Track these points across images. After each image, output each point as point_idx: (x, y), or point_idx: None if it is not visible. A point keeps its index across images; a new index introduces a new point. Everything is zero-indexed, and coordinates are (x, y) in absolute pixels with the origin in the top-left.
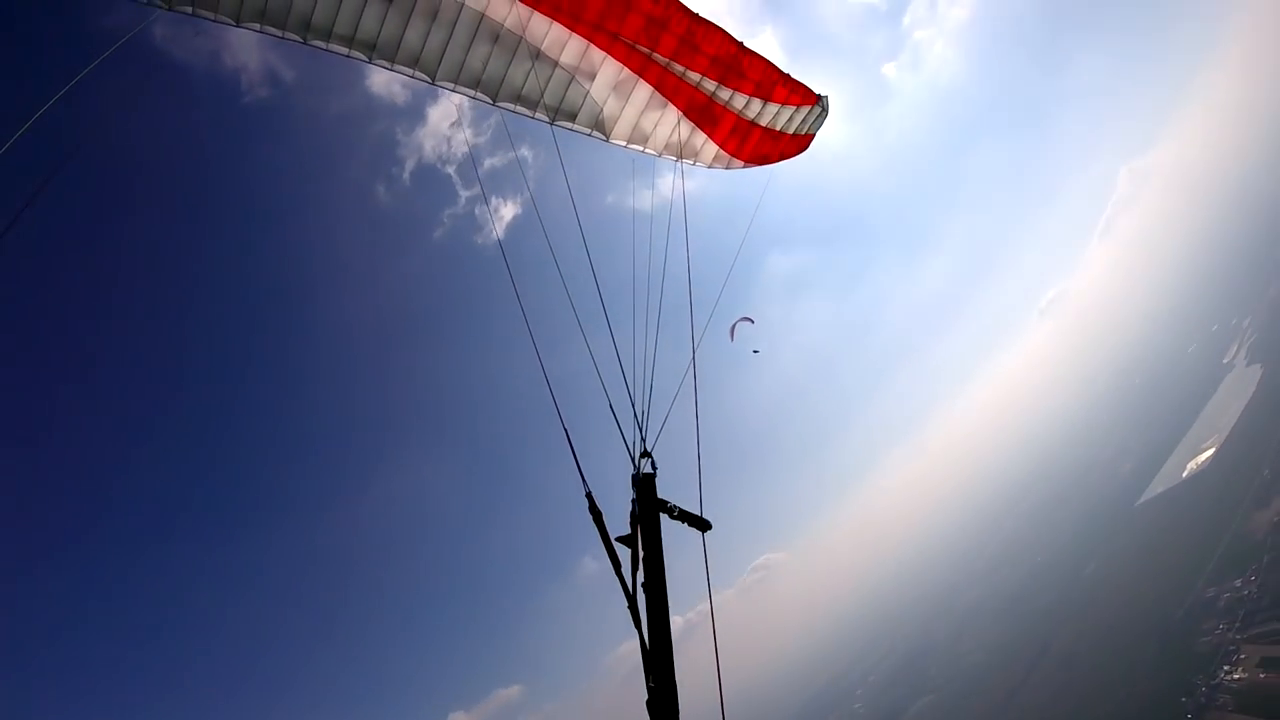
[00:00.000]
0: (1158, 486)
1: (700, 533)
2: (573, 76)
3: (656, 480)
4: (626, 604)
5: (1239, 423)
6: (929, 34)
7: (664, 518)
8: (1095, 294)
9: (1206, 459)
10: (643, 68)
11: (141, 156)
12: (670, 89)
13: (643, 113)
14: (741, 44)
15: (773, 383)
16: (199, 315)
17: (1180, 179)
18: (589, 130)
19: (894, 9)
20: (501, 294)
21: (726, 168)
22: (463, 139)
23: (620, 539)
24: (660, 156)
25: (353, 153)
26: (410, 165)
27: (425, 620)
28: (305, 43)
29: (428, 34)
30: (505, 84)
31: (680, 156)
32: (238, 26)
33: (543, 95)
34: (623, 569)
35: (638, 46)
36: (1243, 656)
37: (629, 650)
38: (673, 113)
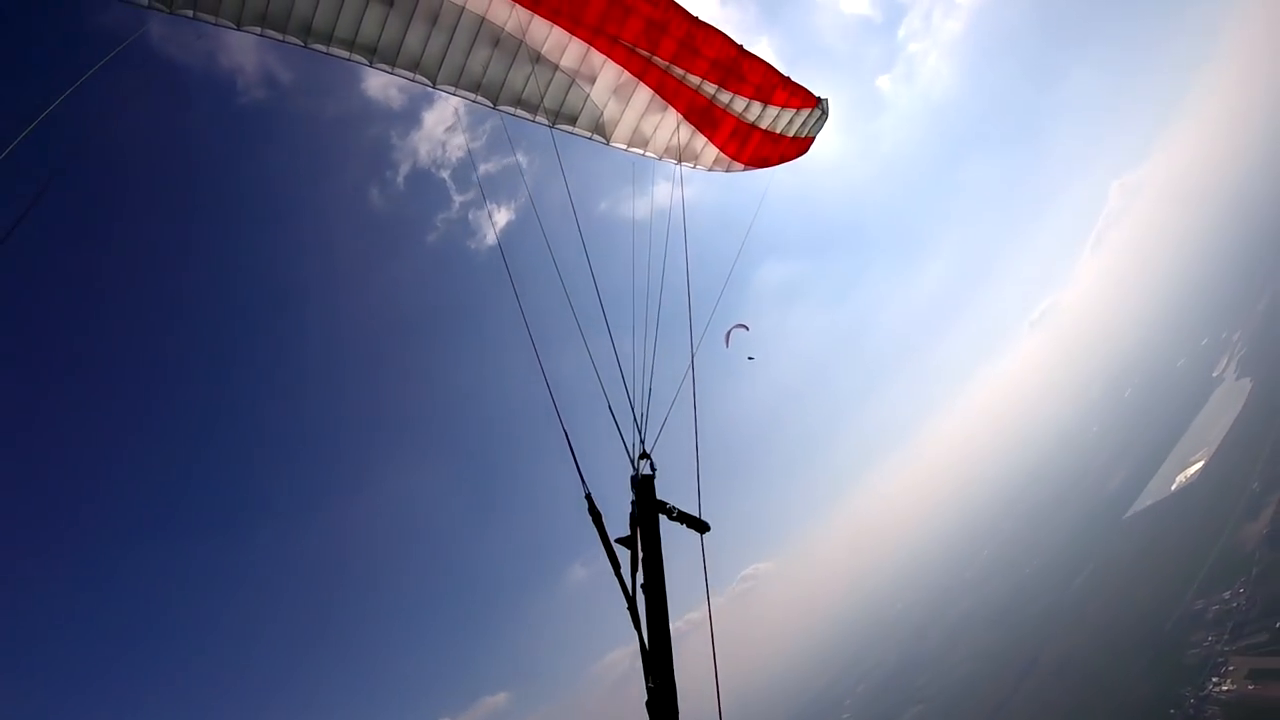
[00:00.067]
0: (1147, 499)
1: (699, 535)
2: (573, 80)
3: (655, 482)
4: (626, 605)
5: (1228, 436)
6: (923, 47)
7: (663, 519)
8: (1086, 307)
9: (1196, 472)
10: (643, 71)
11: (136, 156)
12: (670, 92)
13: (643, 116)
14: (741, 47)
15: (763, 392)
16: (191, 316)
17: (1171, 194)
18: (589, 133)
19: (889, 21)
20: (493, 299)
21: (726, 170)
22: (458, 144)
23: (620, 540)
24: (660, 159)
25: (348, 156)
26: (405, 169)
27: (412, 627)
28: (306, 46)
29: (428, 38)
30: (506, 87)
31: (680, 159)
32: (239, 30)
33: (543, 99)
34: (622, 570)
35: (638, 50)
36: (1231, 668)
37: (616, 658)
38: (673, 116)
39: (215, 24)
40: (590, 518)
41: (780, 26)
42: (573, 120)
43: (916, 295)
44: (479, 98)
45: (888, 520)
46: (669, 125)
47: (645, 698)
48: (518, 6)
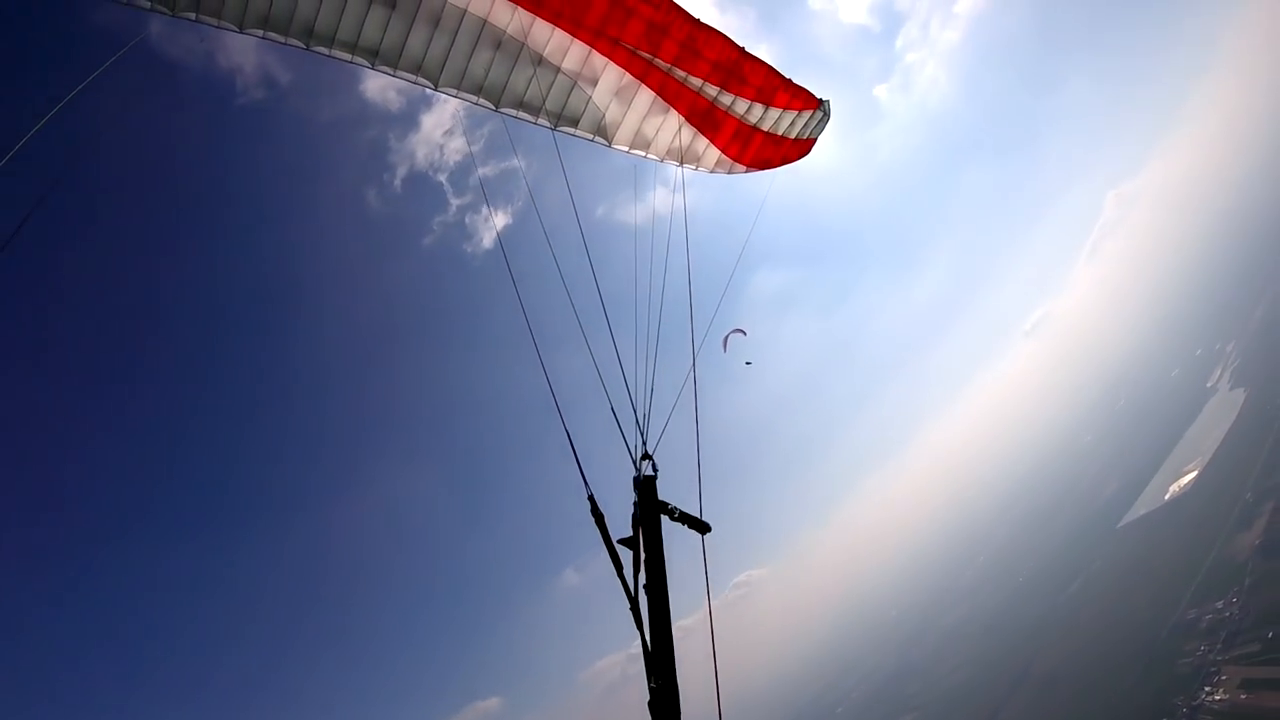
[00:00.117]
0: (1140, 509)
1: (700, 536)
2: (575, 82)
3: (657, 483)
4: (628, 606)
5: (1222, 446)
6: (921, 56)
7: (665, 520)
8: (1081, 316)
9: (1189, 482)
10: (644, 73)
11: (133, 155)
12: (672, 94)
13: (644, 118)
14: (743, 49)
15: (757, 398)
16: (186, 316)
17: (1166, 204)
18: (591, 136)
19: (887, 31)
20: (489, 303)
21: (729, 172)
22: (456, 147)
23: (622, 541)
24: (662, 161)
25: (346, 157)
26: (402, 172)
27: (403, 630)
28: (309, 49)
29: (430, 40)
30: (508, 90)
31: (682, 162)
32: (241, 33)
33: (545, 101)
34: (624, 571)
35: (639, 52)
36: (1224, 678)
37: (607, 665)
38: (674, 118)
39: (218, 27)
40: (593, 518)
41: (779, 34)
42: (574, 123)
43: (911, 303)
44: (481, 100)
45: (881, 528)
46: (671, 127)
47: (647, 698)
48: (519, 9)
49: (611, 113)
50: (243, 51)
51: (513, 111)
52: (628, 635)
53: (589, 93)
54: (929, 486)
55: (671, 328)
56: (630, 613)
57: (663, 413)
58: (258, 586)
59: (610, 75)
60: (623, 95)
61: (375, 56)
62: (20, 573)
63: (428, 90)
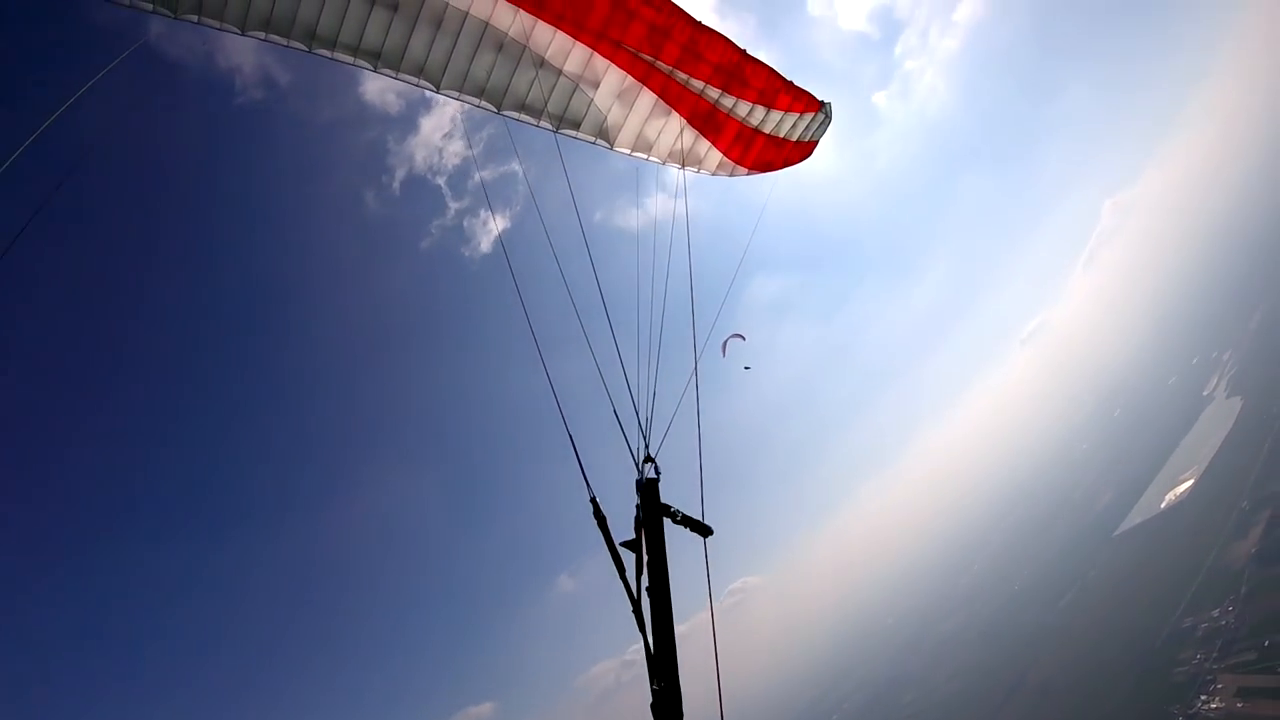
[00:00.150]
0: (1136, 517)
1: (702, 538)
2: (577, 85)
3: (659, 485)
4: (631, 608)
5: (1218, 454)
6: (920, 64)
7: (667, 523)
8: (1077, 324)
9: (1185, 490)
10: (646, 76)
11: (132, 154)
12: (674, 97)
13: (646, 120)
14: (744, 52)
15: (752, 405)
16: (181, 316)
17: (1163, 212)
18: (593, 138)
19: (886, 38)
20: (486, 307)
21: (730, 175)
22: (454, 150)
23: (625, 544)
24: (664, 164)
25: (344, 159)
26: (400, 174)
27: (394, 634)
28: (311, 52)
29: (432, 43)
30: (510, 93)
31: (684, 164)
32: (243, 35)
33: (547, 104)
34: (627, 573)
35: (641, 55)
36: (1220, 686)
37: (601, 671)
38: (676, 120)
39: (220, 29)
40: (595, 521)
41: (778, 41)
42: (576, 125)
43: (908, 310)
44: (483, 103)
45: (877, 535)
46: (673, 130)
47: (643, 703)
48: (521, 12)
49: (613, 115)
50: (242, 51)
51: (515, 114)
52: (623, 641)
53: (591, 95)
54: (925, 494)
55: (670, 332)
56: (633, 615)
57: (664, 416)
58: (248, 587)
59: (612, 78)
60: (625, 98)
61: (378, 59)
62: (10, 570)
63: (427, 93)
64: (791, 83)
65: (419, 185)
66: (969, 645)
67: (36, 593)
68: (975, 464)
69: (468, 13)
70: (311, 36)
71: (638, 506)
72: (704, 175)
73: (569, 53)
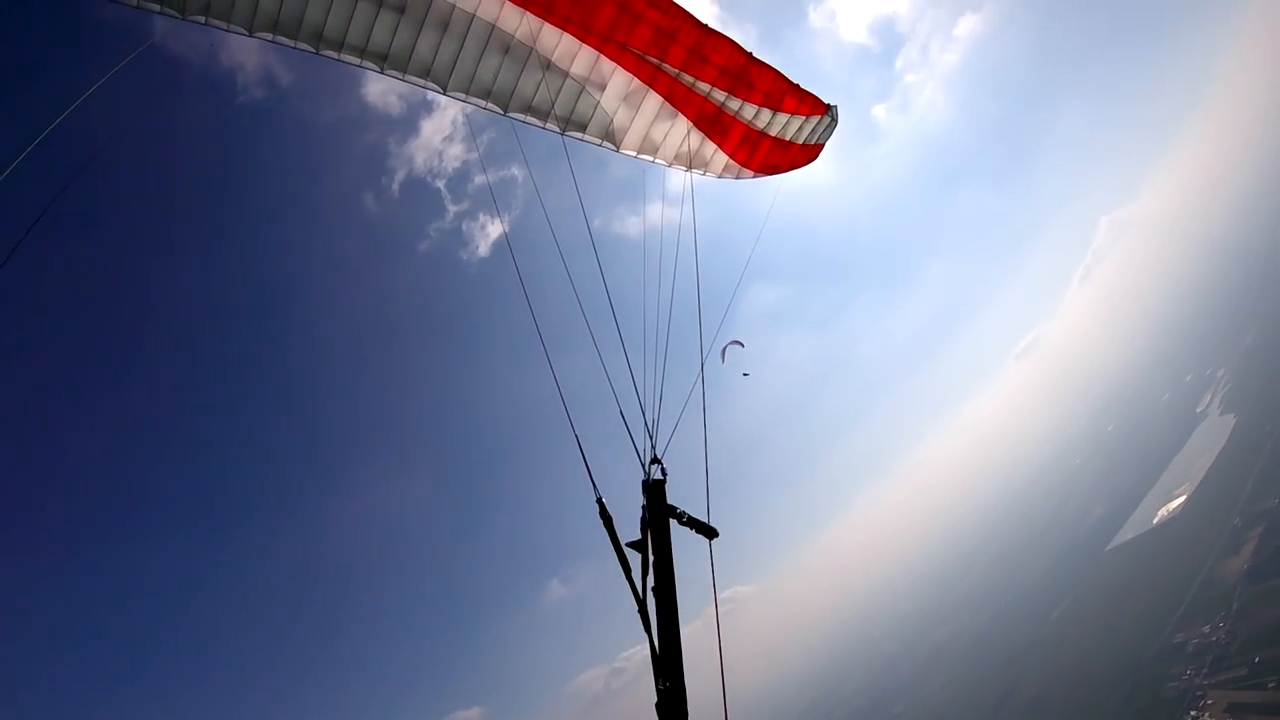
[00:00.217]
0: (1128, 532)
1: (707, 540)
2: (583, 87)
3: (666, 486)
4: (636, 608)
5: (1211, 471)
6: (920, 78)
7: (673, 524)
8: (1073, 340)
9: (1178, 506)
10: (652, 78)
11: (130, 153)
12: (680, 99)
13: (653, 123)
14: (750, 54)
15: (746, 416)
16: (178, 315)
17: (1160, 230)
18: (600, 141)
19: (887, 52)
20: (482, 311)
21: (736, 177)
22: (455, 153)
23: (630, 544)
24: (670, 166)
25: (344, 160)
26: (400, 177)
27: (384, 636)
28: (318, 53)
29: (439, 45)
30: (516, 94)
31: (690, 166)
32: (250, 36)
33: (553, 106)
34: (633, 574)
35: (647, 57)
36: (1210, 702)
37: (591, 678)
38: (683, 123)
39: (227, 30)
40: (601, 521)
41: (780, 52)
42: (583, 127)
43: (904, 323)
44: (490, 104)
45: (869, 547)
46: (679, 132)
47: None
48: (528, 14)
49: (620, 117)
50: (244, 50)
51: (521, 116)
52: (612, 648)
53: (597, 97)
54: (919, 506)
55: (672, 335)
56: (638, 615)
57: (669, 418)
58: (241, 587)
59: (618, 80)
60: (631, 100)
61: (384, 61)
62: (8, 568)
63: (427, 95)
64: (797, 85)
65: (419, 187)
66: (961, 655)
67: (36, 591)
68: (969, 476)
69: (474, 15)
70: (319, 38)
71: (644, 507)
72: (710, 178)
73: (575, 55)
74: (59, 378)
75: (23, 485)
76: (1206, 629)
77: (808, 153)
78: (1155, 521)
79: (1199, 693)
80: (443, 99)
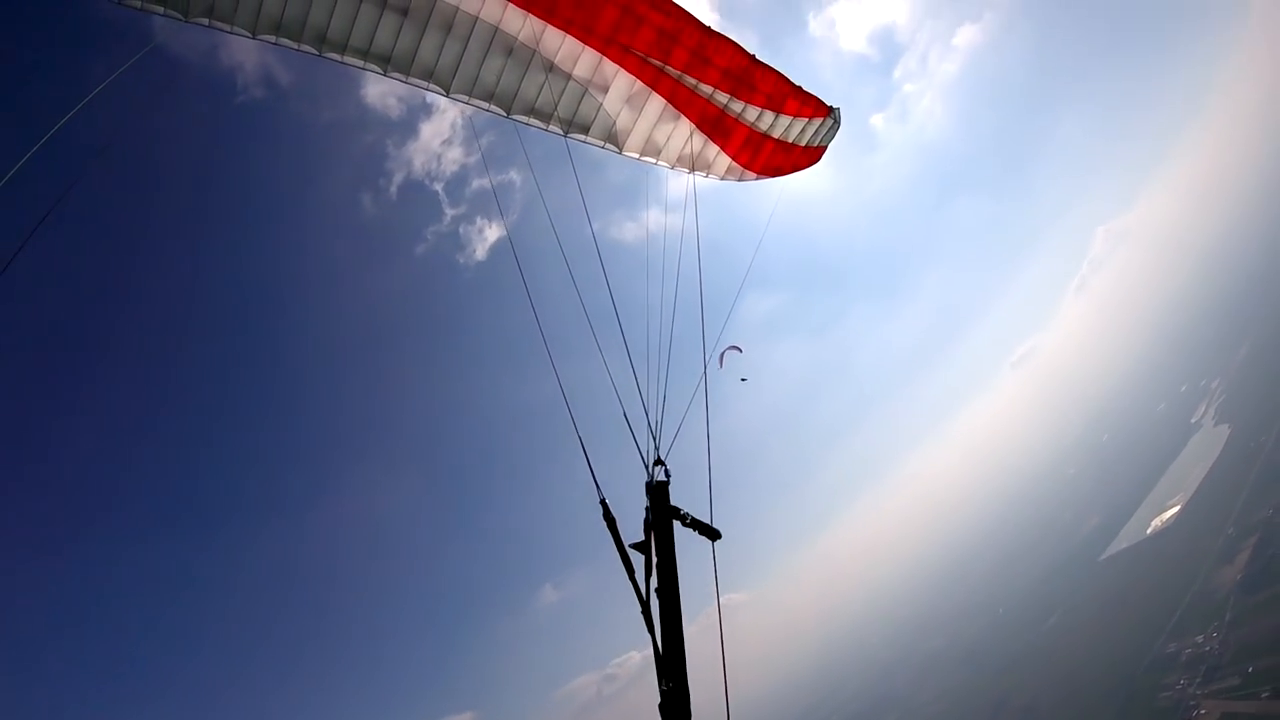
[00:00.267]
0: (1122, 542)
1: (710, 542)
2: (586, 89)
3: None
4: (640, 609)
5: (1205, 481)
6: (919, 87)
7: (677, 525)
8: (1068, 350)
9: (1172, 516)
10: (655, 80)
11: (130, 153)
12: (682, 101)
13: (655, 125)
14: (753, 57)
15: (740, 423)
16: (175, 315)
17: (1155, 241)
18: (602, 143)
19: (886, 61)
20: (479, 314)
21: (739, 180)
22: (452, 157)
23: (634, 545)
24: (673, 168)
25: (343, 161)
26: (398, 179)
27: (374, 640)
28: (321, 55)
29: (442, 47)
30: (519, 97)
31: (693, 168)
32: (254, 39)
33: (556, 108)
34: (636, 575)
35: (650, 60)
36: (1203, 712)
37: (583, 684)
38: (685, 125)
39: (230, 32)
40: (605, 522)
41: (779, 60)
42: (586, 129)
43: (899, 332)
44: (492, 107)
45: (863, 556)
46: (681, 134)
47: (659, 701)
48: (531, 16)
49: (622, 120)
50: (245, 49)
51: (524, 118)
52: (605, 654)
53: (600, 100)
54: (913, 515)
55: (672, 339)
56: (641, 616)
57: (670, 421)
58: (230, 588)
59: (621, 82)
60: (634, 102)
61: (387, 63)
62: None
63: (427, 98)
64: (800, 88)
65: (416, 190)
66: (956, 663)
67: (23, 589)
68: (964, 485)
69: (477, 17)
70: (322, 40)
71: (647, 509)
72: (713, 180)
73: (578, 57)
74: (54, 375)
75: (12, 483)
76: (1200, 639)
77: (810, 155)
78: (1149, 531)
79: (1192, 702)
80: (442, 102)
